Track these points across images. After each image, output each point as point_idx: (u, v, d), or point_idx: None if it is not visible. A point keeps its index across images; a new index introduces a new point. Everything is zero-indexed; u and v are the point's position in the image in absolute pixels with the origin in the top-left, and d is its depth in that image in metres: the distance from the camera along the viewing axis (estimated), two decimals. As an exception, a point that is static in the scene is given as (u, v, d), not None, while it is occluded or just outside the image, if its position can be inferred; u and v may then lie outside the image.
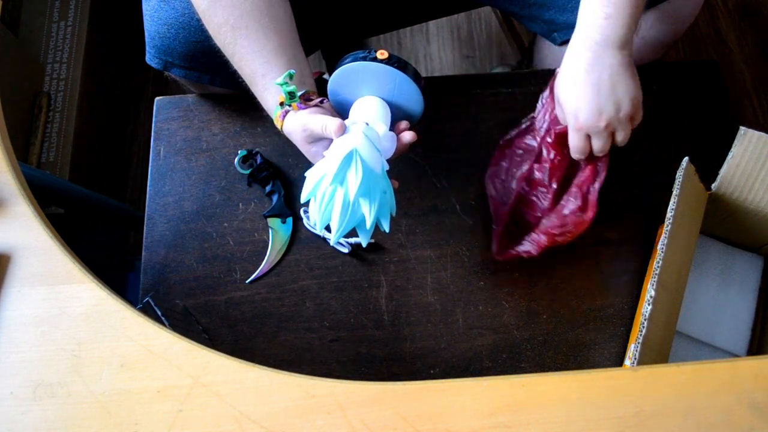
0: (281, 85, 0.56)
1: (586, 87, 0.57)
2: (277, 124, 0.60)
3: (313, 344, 0.68)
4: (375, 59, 0.56)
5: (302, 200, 0.56)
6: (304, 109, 0.58)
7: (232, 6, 0.58)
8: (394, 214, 0.58)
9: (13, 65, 1.14)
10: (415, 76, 0.58)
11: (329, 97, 0.63)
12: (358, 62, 0.57)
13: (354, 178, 0.52)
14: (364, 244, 0.58)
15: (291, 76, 0.56)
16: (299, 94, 0.58)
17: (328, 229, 0.55)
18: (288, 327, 0.69)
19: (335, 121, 0.54)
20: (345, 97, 0.62)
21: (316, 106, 0.59)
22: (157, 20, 0.70)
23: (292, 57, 0.60)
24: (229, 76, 0.75)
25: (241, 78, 0.62)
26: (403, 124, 0.60)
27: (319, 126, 0.56)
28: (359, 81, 0.59)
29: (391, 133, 0.59)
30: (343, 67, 0.58)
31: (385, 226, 0.56)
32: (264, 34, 0.59)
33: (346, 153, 0.52)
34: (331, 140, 0.56)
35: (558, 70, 0.62)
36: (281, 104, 0.59)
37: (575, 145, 0.61)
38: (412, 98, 0.60)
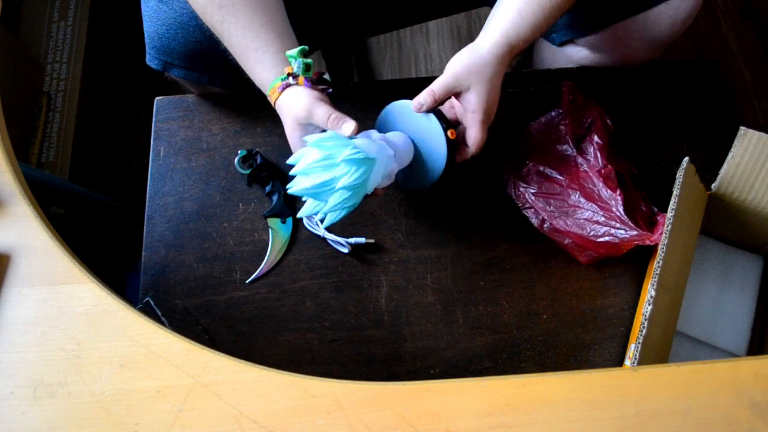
0: (294, 57, 0.57)
1: (499, 89, 0.61)
2: (272, 96, 0.60)
3: (313, 344, 0.68)
4: (445, 130, 0.61)
5: (290, 160, 0.58)
6: (309, 87, 0.58)
7: None
8: (335, 224, 0.61)
9: (13, 65, 1.14)
10: (450, 163, 0.62)
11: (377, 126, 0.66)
12: (432, 117, 0.61)
13: (353, 175, 0.54)
14: (299, 215, 0.60)
15: (304, 52, 0.57)
16: (308, 62, 0.58)
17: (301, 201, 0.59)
18: (288, 327, 0.69)
19: (352, 123, 0.56)
20: (387, 121, 0.66)
21: (322, 91, 0.59)
22: (156, 21, 0.70)
23: (282, 32, 0.60)
24: (228, 76, 0.75)
25: (231, 56, 0.62)
26: (380, 191, 0.63)
27: (325, 116, 0.56)
28: (410, 122, 0.63)
29: (393, 174, 0.62)
30: (410, 105, 0.62)
31: (326, 223, 0.59)
32: (251, 10, 0.59)
33: (369, 156, 0.55)
34: (321, 130, 0.58)
35: (470, 53, 0.61)
36: (287, 75, 0.58)
37: (482, 138, 0.62)
38: (427, 175, 0.64)
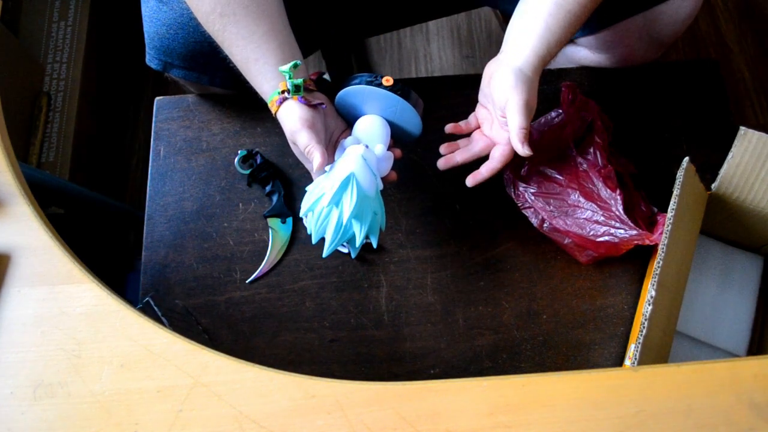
0: (286, 74, 0.58)
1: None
2: (272, 108, 0.61)
3: (313, 344, 0.68)
4: (381, 85, 0.60)
5: (300, 215, 0.61)
6: (303, 104, 0.58)
7: None
8: (383, 230, 0.64)
9: (13, 65, 1.14)
10: (416, 103, 0.62)
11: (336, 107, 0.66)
12: (364, 86, 0.60)
13: (349, 201, 0.57)
14: (353, 256, 0.64)
15: (296, 66, 0.58)
16: (298, 83, 0.58)
17: (322, 240, 0.61)
18: (288, 327, 0.69)
19: (318, 158, 0.57)
20: (350, 111, 0.65)
21: (315, 107, 0.60)
22: (156, 21, 0.70)
23: (283, 41, 0.60)
24: (228, 77, 0.75)
25: (233, 63, 0.62)
26: (397, 151, 0.65)
27: (304, 146, 0.58)
28: (364, 100, 0.63)
29: (389, 152, 0.63)
30: (350, 87, 0.61)
31: (374, 243, 0.63)
32: (252, 20, 0.59)
33: (344, 177, 0.56)
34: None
35: (504, 64, 0.61)
36: (282, 91, 0.59)
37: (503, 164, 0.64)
38: (412, 121, 0.64)
